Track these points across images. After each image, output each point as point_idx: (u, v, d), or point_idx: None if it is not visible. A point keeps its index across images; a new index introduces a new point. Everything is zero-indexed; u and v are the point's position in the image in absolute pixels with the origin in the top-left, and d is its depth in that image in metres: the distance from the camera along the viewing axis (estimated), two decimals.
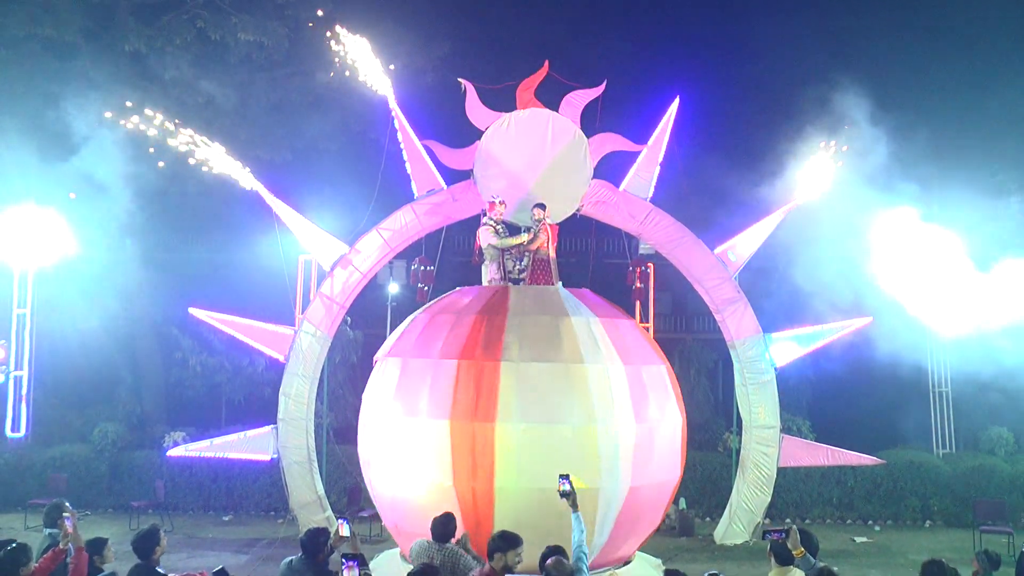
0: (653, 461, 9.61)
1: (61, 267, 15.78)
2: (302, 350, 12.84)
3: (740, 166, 14.90)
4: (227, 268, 19.50)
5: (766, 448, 12.98)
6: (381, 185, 13.15)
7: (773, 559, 6.34)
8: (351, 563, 5.24)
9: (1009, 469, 15.48)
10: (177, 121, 13.05)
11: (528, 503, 8.63)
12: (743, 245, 13.14)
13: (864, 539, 14.23)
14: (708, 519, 14.94)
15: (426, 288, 12.93)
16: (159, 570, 6.58)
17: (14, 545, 6.30)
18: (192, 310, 13.24)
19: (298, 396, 12.85)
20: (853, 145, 13.48)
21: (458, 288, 10.74)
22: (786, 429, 13.80)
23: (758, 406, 13.02)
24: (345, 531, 6.67)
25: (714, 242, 13.14)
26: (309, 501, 12.88)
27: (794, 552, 6.17)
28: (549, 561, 5.74)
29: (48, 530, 7.34)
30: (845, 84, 13.97)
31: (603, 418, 9.15)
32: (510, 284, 10.73)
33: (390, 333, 11.62)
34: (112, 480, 15.84)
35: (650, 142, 12.78)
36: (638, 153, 12.76)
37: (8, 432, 15.97)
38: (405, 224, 12.82)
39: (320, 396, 13.82)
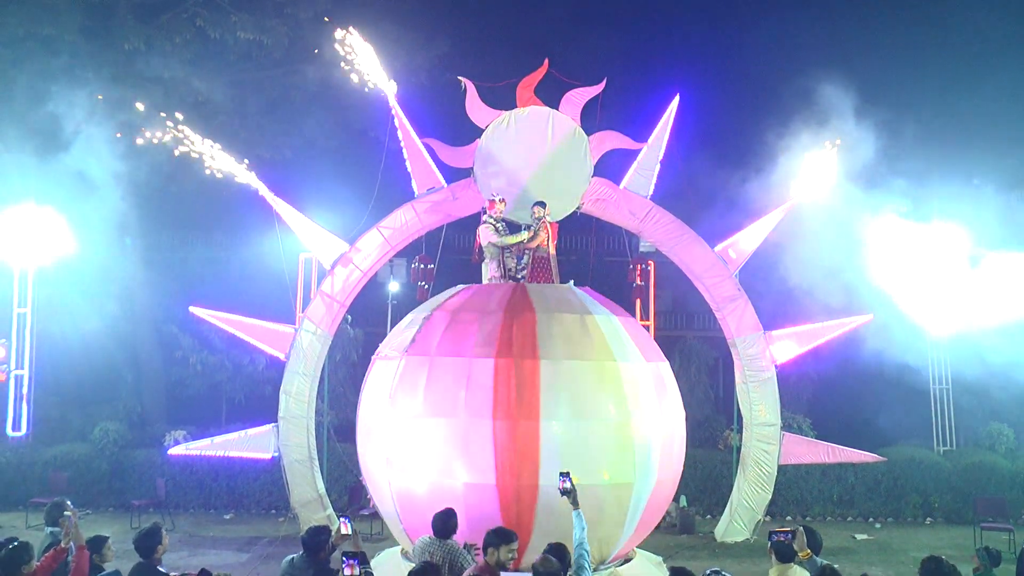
0: (673, 456, 9.82)
1: (61, 266, 15.80)
2: (303, 348, 12.84)
3: (740, 163, 14.90)
4: (228, 266, 19.53)
5: (767, 446, 12.99)
6: (381, 183, 13.14)
7: (774, 556, 6.34)
8: (352, 561, 5.25)
9: (1009, 466, 15.49)
10: (177, 119, 13.04)
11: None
12: (744, 243, 13.14)
13: (865, 536, 14.24)
14: (709, 517, 14.95)
15: (426, 286, 12.93)
16: (160, 569, 6.60)
17: (16, 544, 6.31)
18: (193, 308, 13.24)
19: (299, 394, 12.85)
20: (853, 143, 13.48)
21: (460, 286, 10.68)
22: (787, 426, 13.81)
23: (759, 404, 13.03)
24: (346, 529, 6.67)
25: (714, 240, 13.14)
26: (310, 499, 12.89)
27: (800, 554, 6.14)
28: (537, 559, 5.75)
29: (49, 528, 7.37)
30: (845, 81, 13.97)
31: (635, 414, 9.28)
32: (511, 282, 10.72)
33: (390, 331, 11.58)
34: (113, 479, 15.84)
35: (650, 140, 12.78)
36: (638, 151, 12.76)
37: (9, 431, 16.00)
38: (405, 222, 12.82)
39: (321, 394, 13.82)
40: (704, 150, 17.82)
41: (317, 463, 13.11)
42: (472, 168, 12.13)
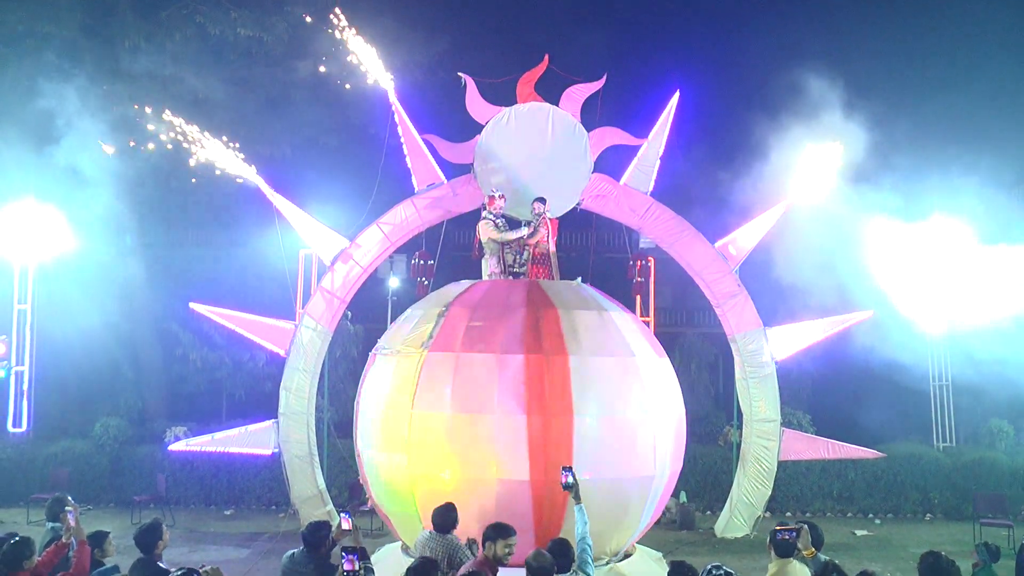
0: (680, 449, 9.97)
1: (61, 263, 15.80)
2: (303, 344, 12.85)
3: (740, 159, 14.88)
4: (228, 263, 19.51)
5: (767, 442, 13.00)
6: (381, 179, 13.15)
7: (773, 552, 6.34)
8: (352, 556, 5.24)
9: (1009, 462, 15.50)
10: (178, 117, 13.04)
11: (598, 494, 8.73)
12: (744, 239, 13.15)
13: (864, 532, 14.26)
14: (709, 512, 14.97)
15: (426, 282, 12.92)
16: (161, 564, 6.60)
17: (17, 539, 6.33)
18: (193, 305, 13.25)
19: (299, 390, 12.86)
20: (853, 139, 13.46)
21: (466, 281, 10.64)
22: (787, 423, 13.83)
23: (759, 400, 13.04)
24: (347, 525, 6.68)
25: (714, 236, 13.14)
26: (310, 495, 12.91)
27: (804, 552, 6.11)
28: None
29: (50, 524, 7.38)
30: (845, 77, 13.96)
31: (652, 408, 9.41)
32: (512, 277, 10.72)
33: (390, 327, 11.56)
34: (113, 475, 15.87)
35: (650, 136, 12.79)
36: (638, 147, 12.76)
37: (10, 427, 16.01)
38: (405, 218, 12.83)
39: (321, 390, 13.84)
40: (704, 146, 17.85)
41: (317, 459, 13.14)
42: (472, 164, 12.13)
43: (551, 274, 10.91)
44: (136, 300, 18.24)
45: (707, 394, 18.89)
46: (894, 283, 13.81)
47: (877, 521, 15.13)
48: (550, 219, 11.19)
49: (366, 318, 18.63)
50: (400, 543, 10.11)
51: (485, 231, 10.87)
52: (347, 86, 12.87)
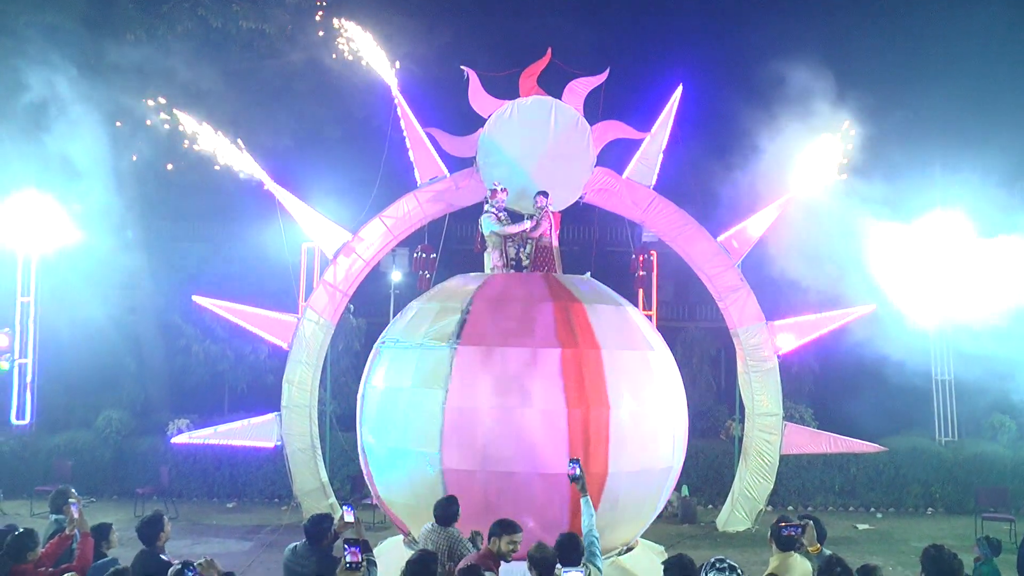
0: (685, 442, 10.13)
1: (64, 255, 15.81)
2: (305, 337, 12.86)
3: (742, 153, 14.85)
4: (230, 256, 19.53)
5: (768, 436, 13.01)
6: (384, 173, 13.15)
7: (774, 545, 6.33)
8: (354, 549, 5.24)
9: (1011, 456, 15.51)
10: (180, 110, 13.03)
11: (631, 485, 9.03)
12: (746, 233, 13.13)
13: (866, 526, 14.27)
14: (710, 506, 14.99)
15: (428, 275, 12.93)
16: (163, 556, 6.61)
17: (21, 531, 6.36)
18: (196, 298, 13.25)
19: (301, 383, 12.88)
20: (856, 134, 13.43)
21: (474, 274, 10.63)
22: (788, 417, 13.84)
23: (761, 394, 13.05)
24: (349, 517, 6.68)
25: (717, 230, 13.12)
26: (313, 488, 12.94)
27: (810, 548, 6.07)
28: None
29: (54, 516, 7.40)
30: (847, 72, 13.95)
31: (669, 400, 9.63)
32: (514, 271, 10.71)
33: (392, 320, 11.57)
34: (117, 467, 15.91)
35: (653, 130, 12.76)
36: (641, 141, 12.74)
37: (13, 419, 16.06)
38: (408, 212, 12.82)
39: (323, 383, 13.86)
40: (707, 140, 17.79)
41: (320, 452, 13.16)
42: (475, 157, 12.11)
43: (554, 267, 10.91)
44: (139, 293, 18.27)
45: (709, 388, 18.88)
46: (896, 277, 13.79)
47: (879, 515, 15.15)
48: (552, 212, 11.19)
49: (368, 311, 18.65)
50: (402, 536, 10.14)
51: (488, 224, 10.86)
52: (354, 66, 12.65)
